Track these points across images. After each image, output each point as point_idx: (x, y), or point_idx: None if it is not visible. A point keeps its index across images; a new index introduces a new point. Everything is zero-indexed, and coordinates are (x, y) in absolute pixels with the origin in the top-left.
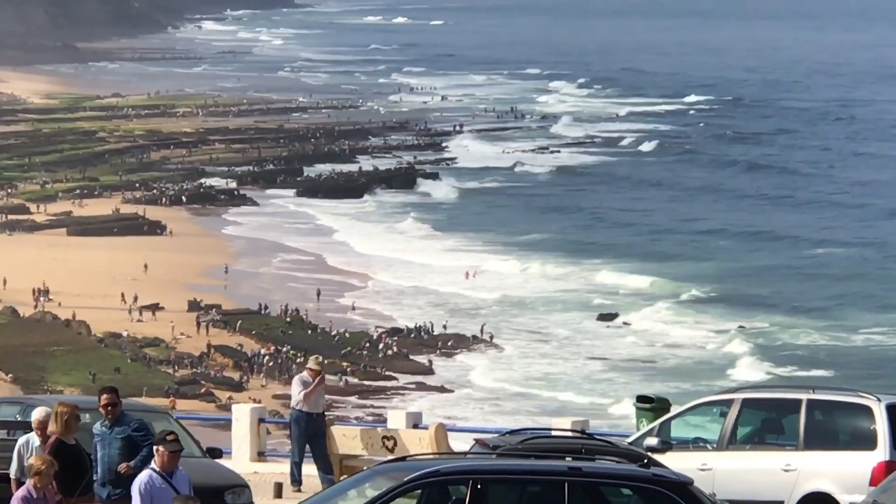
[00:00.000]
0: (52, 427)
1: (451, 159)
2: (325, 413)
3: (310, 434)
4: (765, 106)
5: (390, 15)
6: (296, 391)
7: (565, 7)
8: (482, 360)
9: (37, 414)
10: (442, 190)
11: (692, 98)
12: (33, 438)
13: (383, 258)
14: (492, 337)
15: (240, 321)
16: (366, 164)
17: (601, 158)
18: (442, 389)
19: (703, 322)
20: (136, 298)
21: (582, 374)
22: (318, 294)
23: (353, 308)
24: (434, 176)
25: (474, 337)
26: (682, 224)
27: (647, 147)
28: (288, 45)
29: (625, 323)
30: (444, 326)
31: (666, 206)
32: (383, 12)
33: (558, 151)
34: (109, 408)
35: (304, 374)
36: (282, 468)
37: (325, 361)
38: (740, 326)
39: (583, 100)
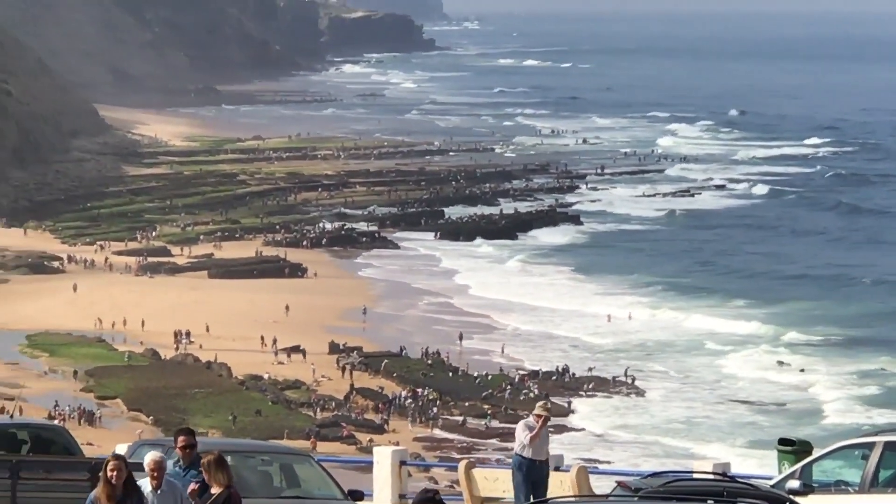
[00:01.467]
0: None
1: (593, 202)
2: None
3: (532, 481)
4: (886, 149)
5: (522, 58)
6: (521, 436)
7: (691, 50)
8: (623, 402)
9: (151, 457)
10: (581, 233)
11: (814, 140)
12: (146, 484)
13: (525, 301)
14: (633, 379)
15: (382, 364)
16: (507, 206)
17: (736, 202)
18: (583, 432)
19: (839, 364)
20: (274, 341)
21: (724, 418)
22: (461, 337)
23: (503, 352)
24: (575, 219)
25: (615, 379)
26: (817, 268)
27: (760, 190)
28: (423, 88)
29: (779, 362)
30: (590, 370)
31: (802, 250)
32: (516, 55)
33: (692, 194)
34: (187, 450)
35: (530, 419)
36: None
37: (466, 404)
38: (882, 369)
39: (706, 142)
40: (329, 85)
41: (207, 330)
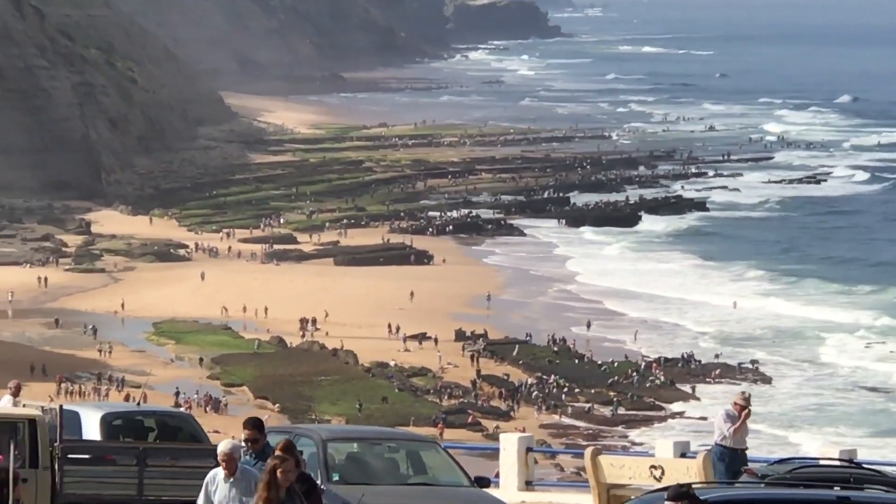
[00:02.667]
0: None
1: (720, 188)
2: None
3: (734, 471)
4: None
5: (640, 45)
6: (723, 426)
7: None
8: (750, 389)
9: (223, 447)
10: (707, 219)
11: None
12: (220, 473)
13: (650, 288)
14: (754, 363)
15: (508, 350)
16: (633, 193)
17: (866, 188)
18: (710, 418)
19: None
20: (398, 328)
21: (854, 405)
22: (589, 325)
23: (635, 339)
24: (701, 205)
25: (741, 366)
26: None
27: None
28: (545, 75)
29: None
30: (717, 356)
31: None
32: (635, 42)
33: (817, 181)
34: (251, 443)
35: (730, 408)
36: (549, 497)
37: (592, 391)
38: None
39: (820, 129)
40: (454, 72)
41: (326, 317)
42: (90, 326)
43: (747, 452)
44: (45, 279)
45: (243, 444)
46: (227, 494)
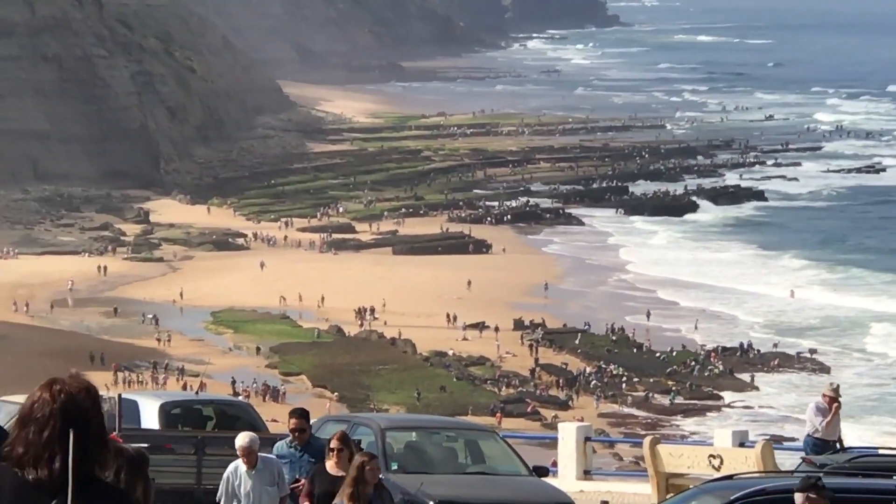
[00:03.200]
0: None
1: (778, 178)
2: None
3: None
4: None
5: (696, 33)
6: (815, 419)
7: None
8: (807, 379)
9: (241, 440)
10: (765, 209)
11: None
12: (241, 465)
13: (708, 277)
14: (812, 352)
15: (566, 339)
16: (691, 182)
17: None
18: (768, 408)
19: None
20: (455, 318)
21: None
22: (648, 315)
23: (696, 328)
24: (760, 195)
25: (799, 355)
26: None
27: None
28: (601, 64)
29: None
30: (775, 346)
31: None
32: (692, 31)
33: (876, 171)
34: (297, 433)
35: (820, 400)
36: (607, 487)
37: (651, 380)
38: None
39: (874, 118)
40: (512, 61)
41: (384, 306)
42: (150, 316)
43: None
44: (105, 268)
45: (288, 433)
46: (251, 485)
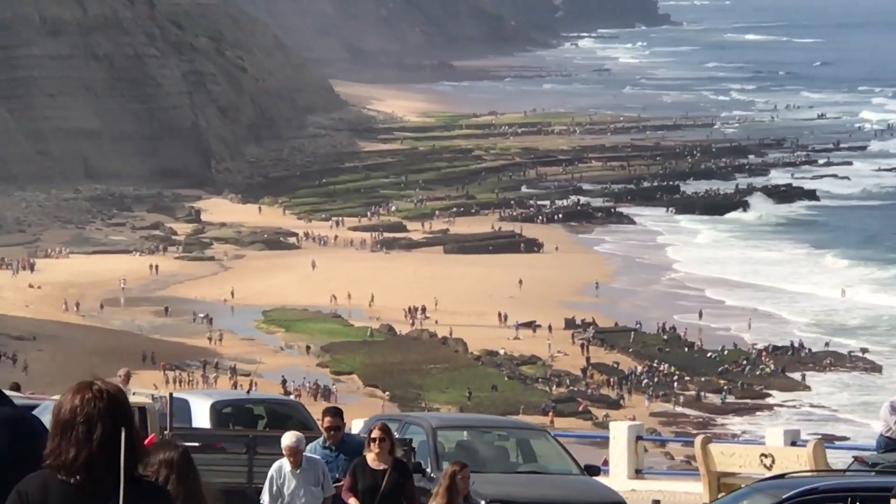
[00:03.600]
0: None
1: (830, 177)
2: None
3: None
4: None
5: (744, 32)
6: (889, 418)
7: None
8: (859, 378)
9: (288, 440)
10: (817, 208)
11: None
12: (285, 464)
13: (761, 275)
14: (864, 351)
15: (618, 338)
16: (742, 181)
17: None
18: (820, 407)
19: None
20: (506, 317)
21: None
22: (700, 314)
23: (749, 326)
24: (811, 194)
25: (850, 355)
26: None
27: None
28: (650, 63)
29: None
30: (827, 345)
31: None
32: (740, 30)
33: None
34: (332, 431)
35: (895, 399)
36: (659, 486)
37: (703, 379)
38: None
39: None
40: (563, 60)
41: (436, 305)
42: (202, 315)
43: None
44: (157, 267)
45: (323, 431)
46: (296, 485)
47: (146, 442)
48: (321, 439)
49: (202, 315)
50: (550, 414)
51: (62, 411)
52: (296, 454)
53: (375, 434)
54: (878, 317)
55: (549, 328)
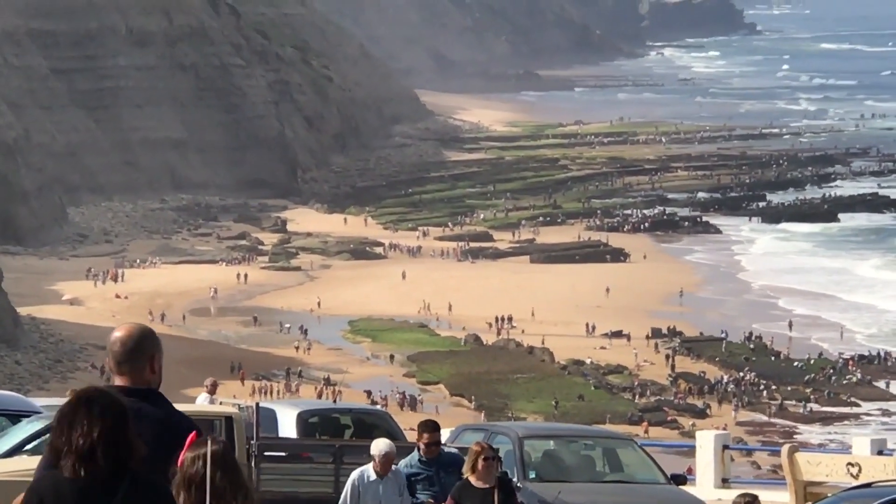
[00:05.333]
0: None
1: None
2: None
3: None
4: None
5: (839, 41)
6: None
7: None
8: None
9: (383, 447)
10: None
11: None
12: (368, 471)
13: (848, 285)
14: None
15: (704, 347)
16: (829, 190)
17: None
18: None
19: None
20: (593, 328)
21: None
22: (791, 325)
23: (841, 335)
24: None
25: None
26: None
27: None
28: (737, 72)
29: None
30: None
31: None
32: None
33: None
34: (433, 446)
35: None
36: None
37: (789, 388)
38: None
39: None
40: (648, 70)
41: (532, 315)
42: (290, 325)
43: None
44: (246, 276)
45: (423, 446)
46: (379, 493)
47: (188, 440)
48: (416, 453)
49: (291, 326)
50: (645, 424)
51: (63, 413)
52: (388, 462)
53: (486, 453)
54: None
55: (619, 336)
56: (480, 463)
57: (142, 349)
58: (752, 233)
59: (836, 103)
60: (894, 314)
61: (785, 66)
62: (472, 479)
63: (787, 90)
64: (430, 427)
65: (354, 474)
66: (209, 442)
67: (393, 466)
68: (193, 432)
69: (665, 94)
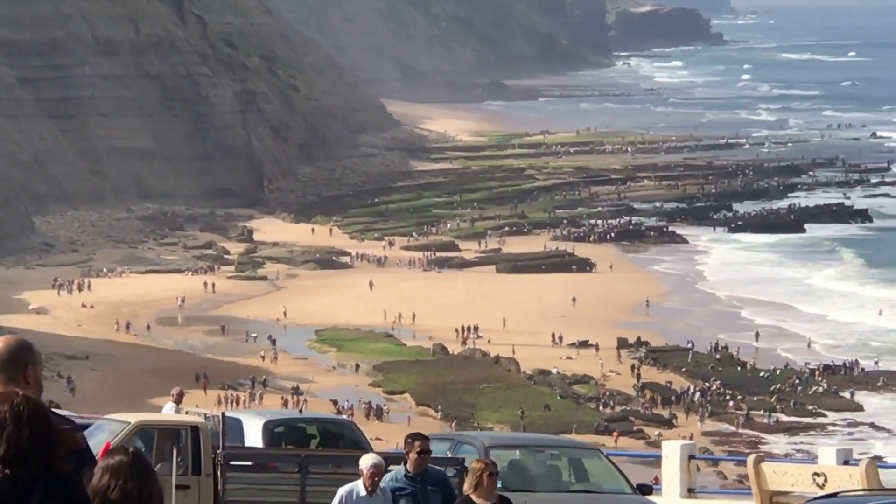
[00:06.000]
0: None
1: (882, 196)
2: None
3: None
4: None
5: (801, 52)
6: None
7: None
8: None
9: (372, 460)
10: (869, 228)
11: None
12: (358, 487)
13: (810, 294)
14: None
15: (670, 358)
16: (795, 200)
17: None
18: (872, 427)
19: None
20: (560, 338)
21: None
22: (757, 336)
23: (810, 345)
24: (863, 214)
25: None
26: None
27: None
28: (702, 81)
29: None
30: (876, 363)
31: None
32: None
33: None
34: (424, 455)
35: None
36: None
37: (755, 398)
38: None
39: None
40: (614, 80)
41: (504, 325)
42: (257, 335)
43: None
44: (214, 285)
45: (415, 456)
46: None
47: (101, 451)
48: (401, 468)
49: (257, 335)
50: (615, 434)
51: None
52: (378, 476)
53: (490, 469)
54: None
55: (597, 347)
56: (486, 479)
57: (15, 360)
58: (718, 243)
59: (797, 113)
60: (857, 325)
61: (745, 76)
62: (475, 497)
63: (748, 100)
64: (420, 436)
65: (343, 490)
66: (119, 452)
67: (382, 484)
68: (107, 442)
69: (630, 104)
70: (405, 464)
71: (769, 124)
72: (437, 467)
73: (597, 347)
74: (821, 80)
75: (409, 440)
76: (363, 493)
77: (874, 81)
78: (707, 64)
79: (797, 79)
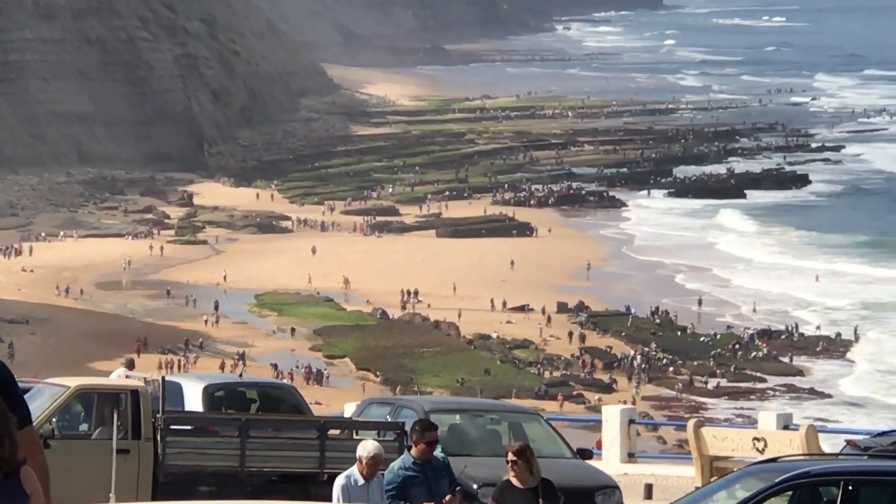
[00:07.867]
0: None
1: (823, 161)
2: None
3: None
4: None
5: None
6: None
7: None
8: (850, 361)
9: (373, 448)
10: (810, 192)
11: None
12: (355, 474)
13: (751, 259)
14: (857, 337)
15: (610, 322)
16: (736, 165)
17: None
18: (812, 392)
19: None
20: (502, 303)
21: None
22: (700, 302)
23: (755, 310)
24: (803, 179)
25: (839, 338)
26: None
27: None
28: (644, 46)
29: None
30: (818, 328)
31: None
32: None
33: None
34: (432, 444)
35: None
36: (652, 469)
37: (695, 363)
38: None
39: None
40: (563, 44)
41: (455, 290)
42: (196, 299)
43: None
44: (162, 248)
45: (424, 446)
46: (370, 497)
47: None
48: (407, 455)
49: (197, 299)
50: (561, 398)
51: None
52: (377, 464)
53: (511, 457)
54: (861, 301)
55: (543, 311)
56: (512, 467)
57: None
58: (658, 208)
59: (718, 78)
60: (795, 290)
61: (669, 41)
62: (515, 480)
63: (673, 65)
64: (432, 425)
65: (341, 479)
66: None
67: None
68: None
69: (570, 69)
70: (409, 451)
71: (694, 89)
72: (437, 454)
73: (542, 311)
74: (744, 44)
75: (419, 429)
76: (361, 481)
77: (800, 48)
78: (645, 29)
79: (722, 43)
